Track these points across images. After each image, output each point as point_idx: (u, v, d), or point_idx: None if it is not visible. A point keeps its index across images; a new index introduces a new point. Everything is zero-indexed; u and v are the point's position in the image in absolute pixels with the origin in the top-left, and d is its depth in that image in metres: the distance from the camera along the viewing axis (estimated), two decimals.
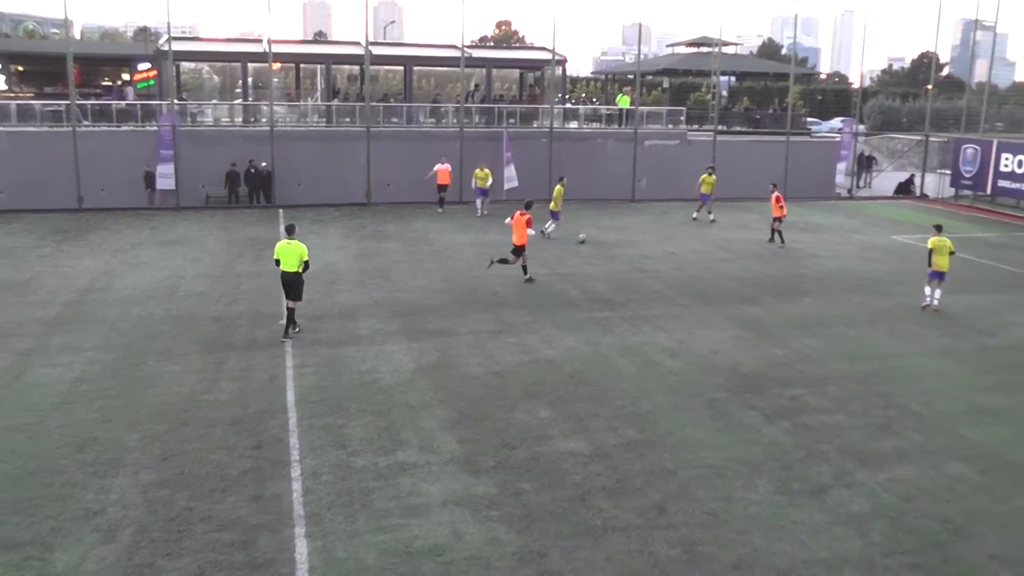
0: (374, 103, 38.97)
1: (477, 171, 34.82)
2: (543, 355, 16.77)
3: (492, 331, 18.28)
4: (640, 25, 46.05)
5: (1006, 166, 40.52)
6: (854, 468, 12.34)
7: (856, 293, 22.96)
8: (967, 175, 42.83)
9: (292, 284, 17.44)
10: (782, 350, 17.76)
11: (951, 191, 44.54)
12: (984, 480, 12.18)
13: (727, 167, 39.83)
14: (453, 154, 36.33)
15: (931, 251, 21.53)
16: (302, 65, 49.70)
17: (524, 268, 23.22)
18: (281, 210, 34.35)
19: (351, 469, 11.66)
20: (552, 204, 30.31)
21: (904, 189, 47.58)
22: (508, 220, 23.62)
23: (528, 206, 23.88)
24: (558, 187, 30.45)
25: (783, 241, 29.50)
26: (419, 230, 30.70)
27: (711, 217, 34.50)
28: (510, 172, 36.61)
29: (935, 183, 46.39)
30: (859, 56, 48.69)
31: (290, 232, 17.69)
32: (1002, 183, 40.82)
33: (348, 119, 40.21)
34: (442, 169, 35.03)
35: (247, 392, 14.49)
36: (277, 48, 39.41)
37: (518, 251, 23.09)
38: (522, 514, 10.51)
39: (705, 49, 60.06)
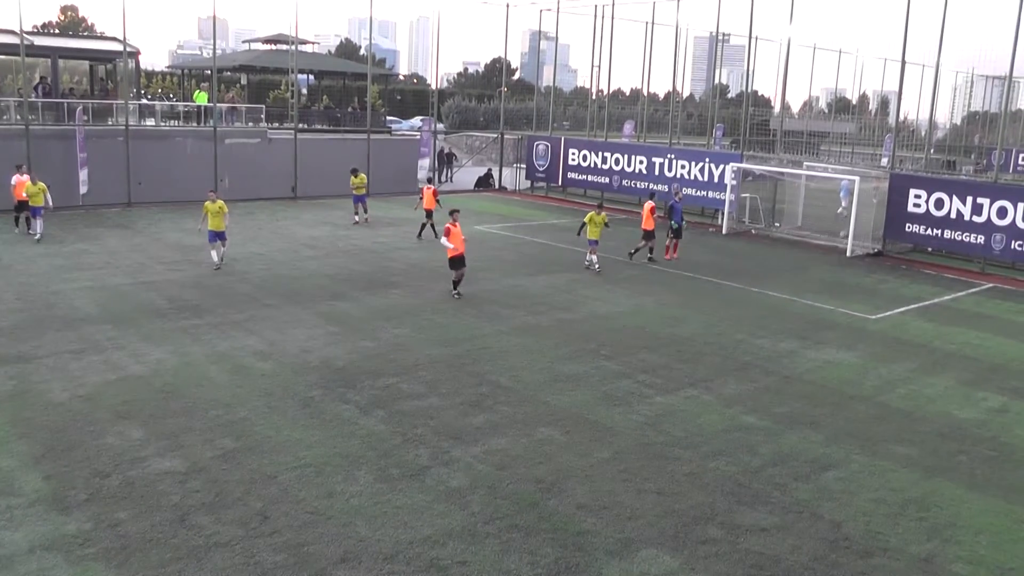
0: None
1: (27, 185, 28.62)
2: (132, 372, 15.97)
3: (75, 351, 17.05)
4: (216, 18, 44.77)
5: (573, 160, 44.81)
6: (450, 446, 13.05)
7: (441, 281, 24.06)
8: (540, 168, 46.87)
9: None
10: (373, 342, 18.29)
11: (527, 183, 48.34)
12: (568, 440, 13.51)
13: (310, 165, 40.16)
14: (18, 155, 32.75)
15: (584, 224, 25.77)
16: None
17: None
18: None
19: None
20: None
21: (484, 182, 50.99)
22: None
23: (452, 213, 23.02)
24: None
25: (422, 235, 31.00)
26: None
27: (356, 219, 34.15)
28: (84, 175, 34.05)
29: (512, 176, 50.16)
30: (435, 59, 50.97)
31: None
32: (571, 175, 45.23)
33: None
34: (22, 181, 29.53)
35: None
36: None
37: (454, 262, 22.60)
38: (120, 547, 9.95)
39: (283, 47, 59.79)
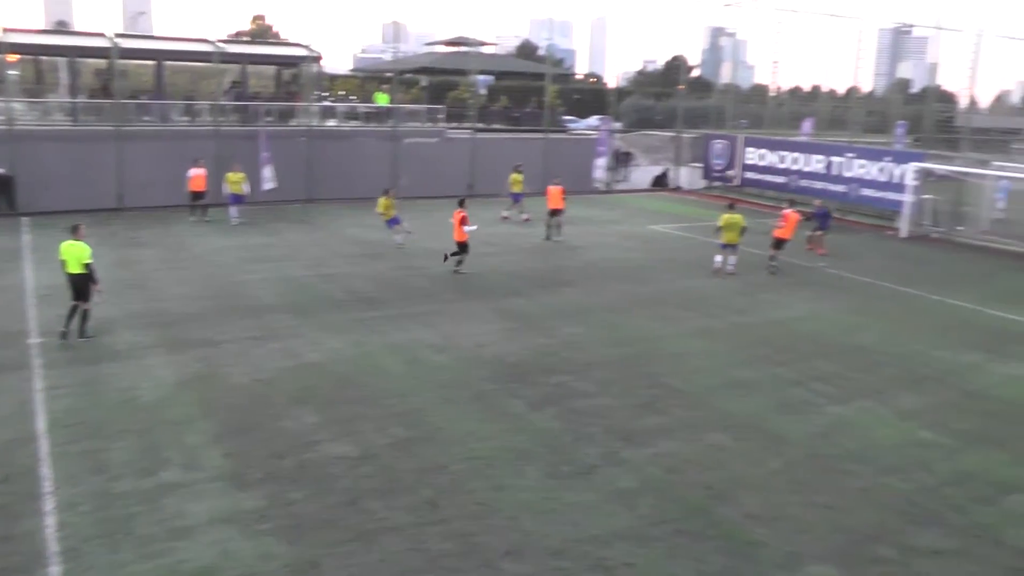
0: (124, 100, 37.10)
1: (229, 175, 31.45)
2: (309, 359, 16.63)
3: (256, 337, 17.90)
4: (397, 23, 46.15)
5: (750, 159, 43.85)
6: (621, 447, 12.98)
7: (618, 281, 24.07)
8: (717, 168, 46.00)
9: (76, 285, 17.20)
10: (547, 339, 18.38)
11: (703, 183, 47.61)
12: (740, 447, 13.23)
13: (487, 164, 40.65)
14: (208, 154, 34.42)
15: (720, 228, 24.79)
16: (43, 58, 46.54)
17: (456, 260, 24.32)
18: (26, 217, 31.47)
19: (112, 496, 10.99)
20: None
21: (660, 182, 50.42)
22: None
23: (462, 203, 24.77)
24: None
25: (559, 235, 30.17)
26: (177, 235, 29.39)
27: (524, 216, 33.97)
28: (268, 172, 35.55)
29: (688, 176, 49.46)
30: (613, 58, 50.97)
31: (73, 232, 17.41)
32: (748, 174, 44.20)
33: (95, 117, 37.94)
34: (197, 175, 32.07)
35: None
36: (13, 38, 36.63)
37: (461, 247, 24.19)
38: (293, 525, 10.41)
39: (463, 48, 60.89)
